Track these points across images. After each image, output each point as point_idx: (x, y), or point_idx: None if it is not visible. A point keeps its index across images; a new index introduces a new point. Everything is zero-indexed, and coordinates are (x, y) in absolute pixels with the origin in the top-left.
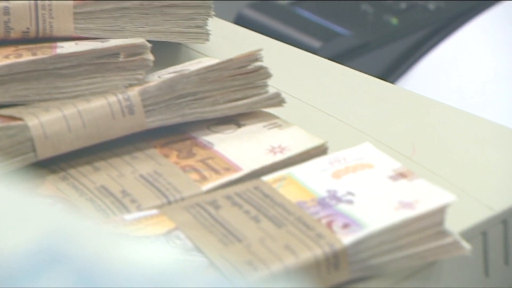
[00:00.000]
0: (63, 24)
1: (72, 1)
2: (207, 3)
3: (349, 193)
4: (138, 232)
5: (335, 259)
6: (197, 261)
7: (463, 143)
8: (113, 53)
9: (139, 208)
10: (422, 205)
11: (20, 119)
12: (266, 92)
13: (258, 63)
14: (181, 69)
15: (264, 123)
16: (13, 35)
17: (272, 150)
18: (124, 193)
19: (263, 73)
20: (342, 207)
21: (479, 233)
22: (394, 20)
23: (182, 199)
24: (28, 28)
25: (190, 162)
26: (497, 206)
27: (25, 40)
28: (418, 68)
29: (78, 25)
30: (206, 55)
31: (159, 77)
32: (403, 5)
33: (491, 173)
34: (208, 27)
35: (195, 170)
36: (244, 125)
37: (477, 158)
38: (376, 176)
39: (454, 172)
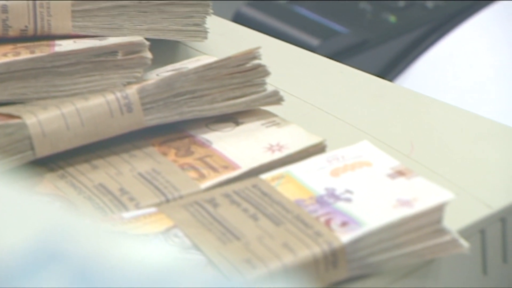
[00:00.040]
0: (61, 22)
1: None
2: (205, 1)
3: (348, 191)
4: (136, 230)
5: (334, 257)
6: (196, 259)
7: (461, 141)
8: (111, 51)
9: (138, 206)
10: (420, 203)
11: (18, 117)
12: (265, 90)
13: (256, 61)
14: (180, 67)
15: (263, 121)
16: (11, 33)
17: (271, 148)
18: (123, 191)
19: (262, 71)
20: (341, 205)
21: (477, 231)
22: (392, 18)
23: (181, 197)
24: (26, 26)
25: (189, 160)
26: (495, 204)
27: (23, 38)
28: (416, 66)
29: (76, 23)
30: (204, 53)
31: (157, 75)
32: (401, 3)
33: (489, 171)
34: (206, 25)
35: (194, 168)
36: (242, 123)
37: (475, 156)
38: (374, 174)
39: (452, 170)
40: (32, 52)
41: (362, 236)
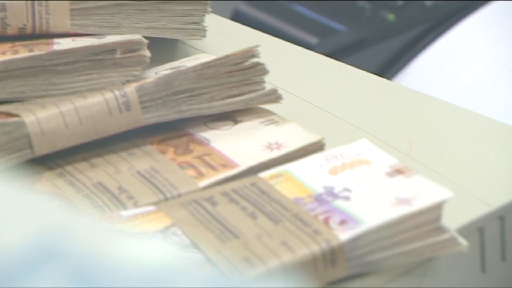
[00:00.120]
0: (60, 20)
1: None
2: (203, 0)
3: (346, 190)
4: (135, 228)
5: (332, 256)
6: (194, 258)
7: (460, 139)
8: (110, 49)
9: (136, 205)
10: (419, 201)
11: (16, 115)
12: (263, 88)
13: (255, 60)
14: (178, 65)
15: (261, 120)
16: (10, 31)
17: (269, 147)
18: (121, 189)
19: (260, 70)
20: (339, 203)
21: (476, 229)
22: (391, 17)
23: (179, 195)
24: (24, 25)
25: (187, 158)
26: (494, 202)
27: (22, 36)
28: (415, 65)
29: (75, 21)
30: (203, 52)
31: (156, 73)
32: (400, 2)
33: (488, 169)
34: (205, 24)
35: (192, 166)
36: (241, 121)
37: (474, 154)
38: (373, 172)
39: (451, 168)
40: (31, 51)
41: (361, 235)
